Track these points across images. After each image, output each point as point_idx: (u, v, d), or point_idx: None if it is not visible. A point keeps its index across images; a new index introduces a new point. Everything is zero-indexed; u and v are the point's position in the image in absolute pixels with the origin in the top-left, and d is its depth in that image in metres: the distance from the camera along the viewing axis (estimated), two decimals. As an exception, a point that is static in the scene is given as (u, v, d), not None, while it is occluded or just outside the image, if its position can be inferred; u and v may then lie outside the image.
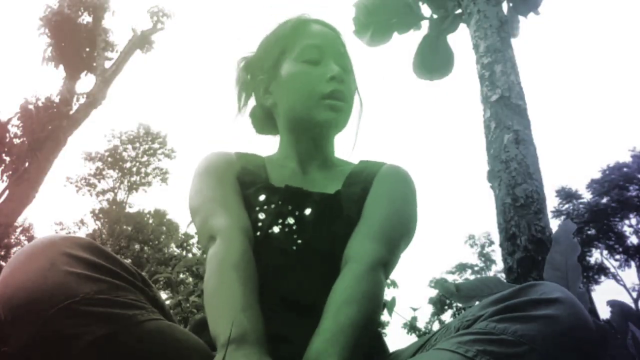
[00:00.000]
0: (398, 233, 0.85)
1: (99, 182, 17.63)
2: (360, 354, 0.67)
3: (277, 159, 0.97)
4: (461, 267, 21.11)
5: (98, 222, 16.62)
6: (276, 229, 0.82)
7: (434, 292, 19.65)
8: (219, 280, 0.71)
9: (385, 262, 0.79)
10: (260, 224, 0.83)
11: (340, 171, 0.96)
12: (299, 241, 0.81)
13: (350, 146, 1.01)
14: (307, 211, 0.84)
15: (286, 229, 0.82)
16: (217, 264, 0.73)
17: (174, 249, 15.73)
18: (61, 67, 9.94)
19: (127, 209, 17.11)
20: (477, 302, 1.08)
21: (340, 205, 0.86)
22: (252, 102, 1.03)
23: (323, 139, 0.95)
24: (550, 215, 2.06)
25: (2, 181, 8.45)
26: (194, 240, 13.76)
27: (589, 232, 15.91)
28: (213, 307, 0.68)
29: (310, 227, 0.82)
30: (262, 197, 0.86)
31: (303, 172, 0.94)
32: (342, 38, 0.99)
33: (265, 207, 0.84)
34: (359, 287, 0.72)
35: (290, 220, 0.83)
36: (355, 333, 0.66)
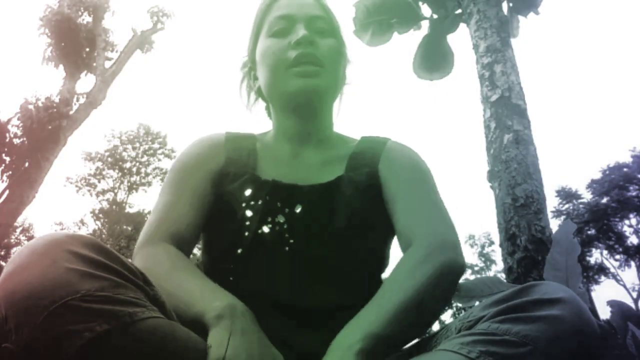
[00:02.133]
0: (443, 207, 0.81)
1: (99, 182, 17.64)
2: (410, 336, 0.67)
3: (270, 142, 0.92)
4: (461, 267, 21.08)
5: (98, 222, 16.64)
6: (266, 229, 0.78)
7: (433, 292, 19.60)
8: (168, 278, 0.70)
9: (450, 237, 0.75)
10: (248, 222, 0.79)
11: (339, 152, 0.90)
12: (292, 241, 0.77)
13: (356, 125, 0.97)
14: (298, 209, 0.79)
15: (277, 228, 0.78)
16: (153, 272, 0.70)
17: (174, 249, 15.69)
18: (61, 67, 9.93)
19: (127, 209, 17.11)
20: (477, 302, 1.08)
21: (340, 194, 0.81)
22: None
23: (310, 112, 0.87)
24: (550, 215, 2.06)
25: (2, 181, 8.45)
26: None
27: (589, 232, 15.90)
28: (178, 296, 0.67)
29: (303, 226, 0.78)
30: (248, 192, 0.81)
31: (297, 156, 0.88)
32: (320, 1, 0.92)
33: (252, 202, 0.80)
34: (422, 259, 0.70)
35: (281, 219, 0.79)
36: (406, 316, 0.65)
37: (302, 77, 0.82)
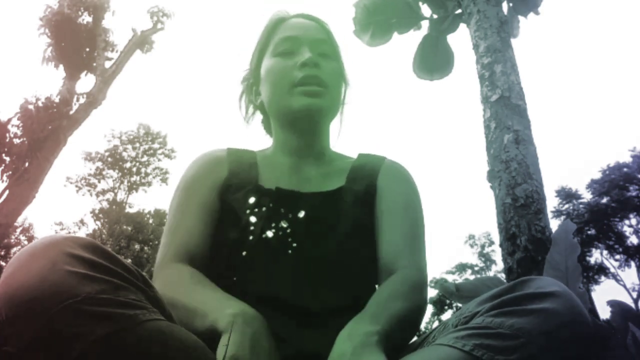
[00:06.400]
0: (424, 243, 0.88)
1: (99, 182, 17.64)
2: (398, 343, 0.69)
3: (270, 155, 0.95)
4: (461, 267, 21.15)
5: (98, 222, 16.63)
6: (270, 234, 0.81)
7: (434, 292, 19.70)
8: (184, 293, 0.72)
9: (426, 278, 0.83)
10: (252, 227, 0.82)
11: (338, 166, 0.94)
12: (294, 245, 0.80)
13: (349, 138, 1.01)
14: (301, 214, 0.83)
15: (280, 233, 0.81)
16: (171, 291, 0.73)
17: (174, 249, 15.70)
18: (61, 67, 9.93)
19: (127, 209, 17.12)
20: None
21: (342, 202, 0.85)
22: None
23: (311, 129, 0.92)
24: (550, 215, 2.06)
25: (2, 181, 8.45)
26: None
27: (589, 232, 15.91)
28: (195, 309, 0.69)
29: (305, 230, 0.81)
30: (251, 200, 0.85)
31: (297, 168, 0.92)
32: (323, 25, 0.97)
33: (256, 209, 0.83)
34: (406, 288, 0.76)
35: (284, 224, 0.82)
36: (398, 321, 0.69)
37: (306, 96, 0.87)
